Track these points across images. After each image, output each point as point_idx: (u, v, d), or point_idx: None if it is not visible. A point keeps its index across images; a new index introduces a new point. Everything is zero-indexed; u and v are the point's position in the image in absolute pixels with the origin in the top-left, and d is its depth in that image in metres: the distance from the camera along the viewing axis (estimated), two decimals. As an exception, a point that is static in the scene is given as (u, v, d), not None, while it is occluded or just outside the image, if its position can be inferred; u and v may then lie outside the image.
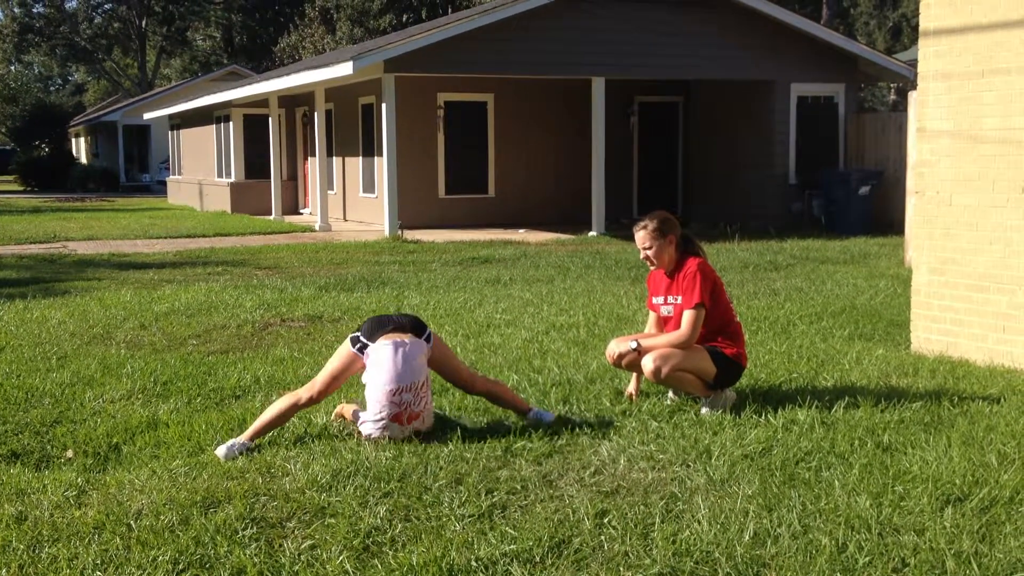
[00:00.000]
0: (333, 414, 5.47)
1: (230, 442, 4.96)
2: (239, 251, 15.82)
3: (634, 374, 5.81)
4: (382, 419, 4.95)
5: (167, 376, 6.64)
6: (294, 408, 5.14)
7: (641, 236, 5.62)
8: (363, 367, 5.13)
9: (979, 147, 6.83)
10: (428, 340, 5.17)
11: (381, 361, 5.00)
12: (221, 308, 9.52)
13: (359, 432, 5.06)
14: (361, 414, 5.09)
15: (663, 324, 5.79)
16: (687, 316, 5.48)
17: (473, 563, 3.56)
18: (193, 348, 7.74)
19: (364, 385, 5.12)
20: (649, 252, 5.61)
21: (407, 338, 5.09)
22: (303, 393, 5.16)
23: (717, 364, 5.52)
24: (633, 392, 5.79)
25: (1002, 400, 5.65)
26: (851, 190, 17.78)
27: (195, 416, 5.68)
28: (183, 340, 8.06)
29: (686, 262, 5.62)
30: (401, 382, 4.95)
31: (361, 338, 5.13)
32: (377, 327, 5.14)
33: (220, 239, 18.18)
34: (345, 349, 5.18)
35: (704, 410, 5.48)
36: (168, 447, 5.14)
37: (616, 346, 5.64)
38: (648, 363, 5.38)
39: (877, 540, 3.66)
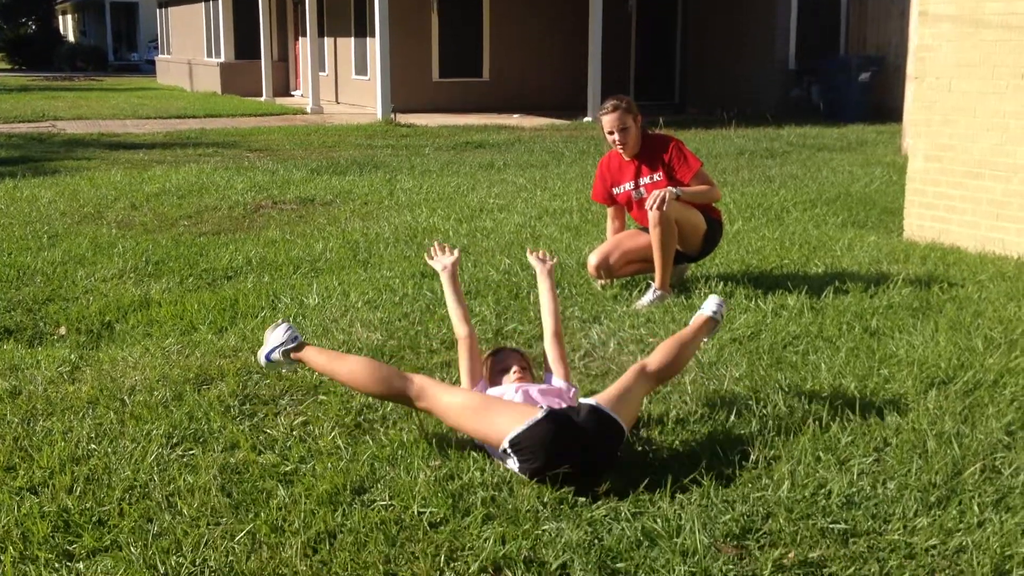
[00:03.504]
0: None
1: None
2: (230, 132, 15.64)
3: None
4: None
5: (158, 256, 6.64)
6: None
7: (617, 116, 5.48)
8: None
9: (981, 32, 6.70)
10: None
11: None
12: (212, 190, 9.46)
13: None
14: None
15: (635, 208, 5.74)
16: (699, 178, 5.53)
17: (464, 438, 3.61)
18: (184, 229, 7.72)
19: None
20: (624, 133, 5.50)
21: None
22: None
23: (708, 223, 5.64)
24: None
25: (991, 286, 5.68)
26: (851, 77, 17.53)
27: (187, 296, 5.69)
28: (174, 221, 8.03)
29: (655, 141, 5.62)
30: None
31: None
32: None
33: (210, 120, 17.97)
34: None
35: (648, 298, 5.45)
36: (160, 325, 5.16)
37: (655, 197, 5.30)
38: (653, 206, 5.31)
39: (860, 421, 3.72)
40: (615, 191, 5.76)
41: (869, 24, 18.89)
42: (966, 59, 6.80)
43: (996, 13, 6.58)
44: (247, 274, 6.21)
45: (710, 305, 4.02)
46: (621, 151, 5.62)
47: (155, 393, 4.08)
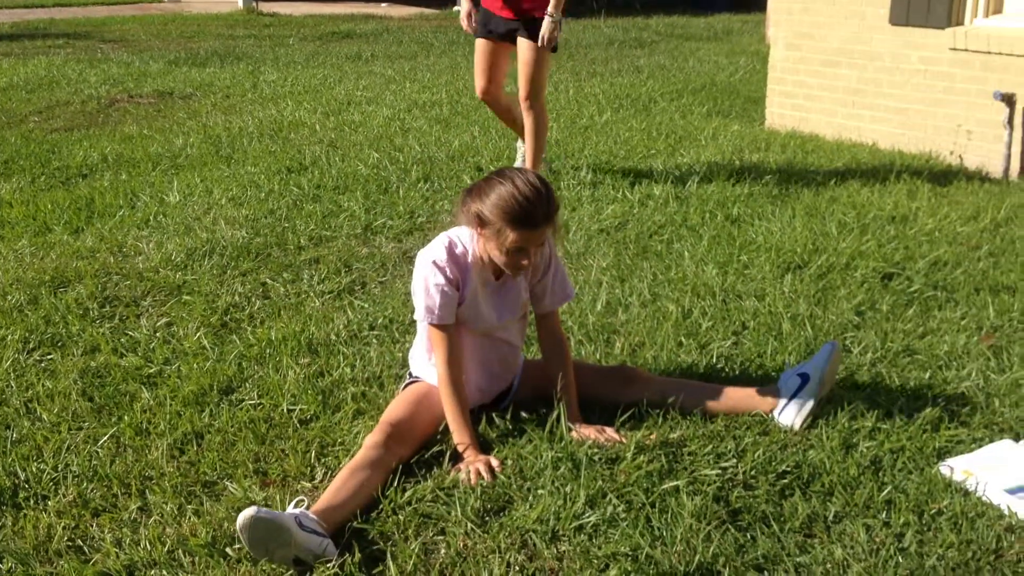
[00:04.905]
0: None
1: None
2: (81, 23, 14.83)
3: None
4: None
5: (8, 154, 6.32)
6: None
7: None
8: None
9: (841, -80, 6.79)
10: None
11: None
12: (64, 83, 9.00)
13: None
14: None
15: None
16: None
17: (332, 337, 3.60)
18: (35, 125, 7.35)
19: None
20: None
21: None
22: None
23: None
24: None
25: (846, 172, 5.88)
26: (718, -35, 17.58)
27: (40, 195, 5.45)
28: (24, 117, 7.63)
29: None
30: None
31: None
32: None
33: (60, 9, 16.98)
34: None
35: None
36: (12, 227, 4.94)
37: (545, 34, 5.19)
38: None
39: (720, 306, 3.85)
40: None
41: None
42: (826, -52, 6.89)
43: (855, -98, 6.66)
44: (103, 172, 5.97)
45: (790, 415, 2.97)
46: None
47: (9, 297, 3.93)
